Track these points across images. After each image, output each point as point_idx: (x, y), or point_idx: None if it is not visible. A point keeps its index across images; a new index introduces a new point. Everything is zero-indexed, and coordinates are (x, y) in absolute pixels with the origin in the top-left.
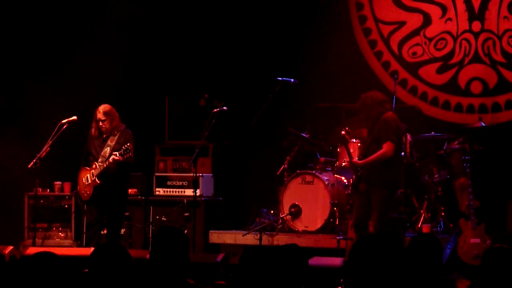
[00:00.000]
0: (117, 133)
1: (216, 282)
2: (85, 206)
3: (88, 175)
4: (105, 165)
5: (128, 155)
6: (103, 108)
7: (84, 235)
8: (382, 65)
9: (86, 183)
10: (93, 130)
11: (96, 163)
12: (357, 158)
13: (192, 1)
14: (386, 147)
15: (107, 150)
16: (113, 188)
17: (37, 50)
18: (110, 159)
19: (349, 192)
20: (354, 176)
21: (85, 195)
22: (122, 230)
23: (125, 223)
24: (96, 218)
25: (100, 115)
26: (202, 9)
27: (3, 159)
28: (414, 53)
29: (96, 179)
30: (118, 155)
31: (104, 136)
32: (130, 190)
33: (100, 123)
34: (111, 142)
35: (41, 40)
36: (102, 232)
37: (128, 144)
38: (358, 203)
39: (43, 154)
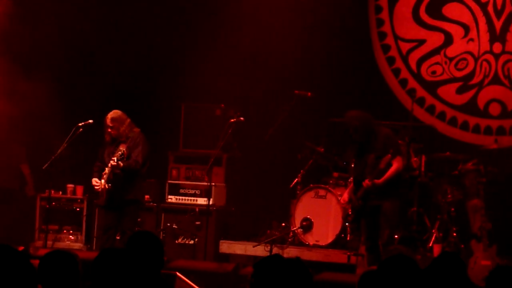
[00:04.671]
0: (129, 138)
1: None
2: (97, 209)
3: (102, 180)
4: (109, 171)
5: (122, 161)
6: (110, 114)
7: (95, 239)
8: (400, 82)
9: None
10: (106, 136)
11: (106, 168)
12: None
13: (208, 10)
14: (398, 162)
15: (118, 155)
16: (123, 193)
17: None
18: (108, 165)
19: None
20: (359, 202)
21: (101, 199)
22: None
23: (136, 229)
24: (111, 222)
25: (108, 122)
26: (219, 17)
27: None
28: (434, 72)
29: (106, 185)
30: (115, 160)
31: (118, 142)
32: None
33: (109, 130)
34: (123, 147)
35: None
36: (117, 237)
37: (123, 150)
38: (367, 223)
39: (58, 157)
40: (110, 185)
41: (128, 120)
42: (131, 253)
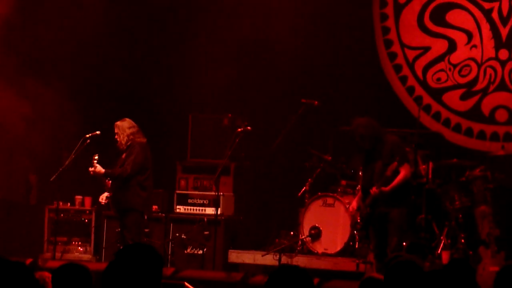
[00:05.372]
0: (128, 147)
1: None
2: (105, 220)
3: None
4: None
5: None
6: (117, 122)
7: (104, 250)
8: (407, 90)
9: None
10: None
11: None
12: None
13: (217, 22)
14: (406, 169)
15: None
16: (119, 202)
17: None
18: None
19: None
20: (367, 209)
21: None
22: None
23: (145, 239)
24: (119, 231)
25: (114, 128)
26: (226, 28)
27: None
28: (439, 79)
29: (106, 193)
30: (93, 168)
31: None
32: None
33: (116, 136)
34: (123, 156)
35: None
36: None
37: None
38: (376, 231)
39: (66, 168)
40: (110, 193)
41: (132, 130)
42: (125, 266)
